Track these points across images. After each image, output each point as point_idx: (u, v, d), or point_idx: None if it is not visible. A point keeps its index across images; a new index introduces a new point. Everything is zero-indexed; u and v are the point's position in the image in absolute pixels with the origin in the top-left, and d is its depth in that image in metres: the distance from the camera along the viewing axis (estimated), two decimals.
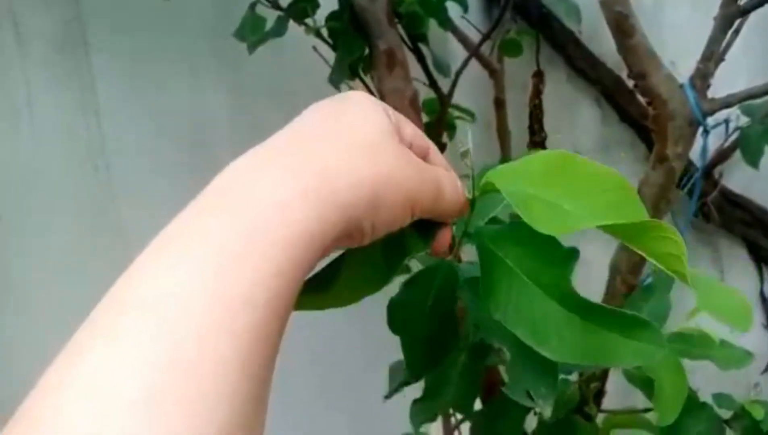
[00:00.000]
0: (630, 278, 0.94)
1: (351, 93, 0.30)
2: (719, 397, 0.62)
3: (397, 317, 0.39)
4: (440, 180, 0.30)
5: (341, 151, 0.26)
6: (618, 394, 0.88)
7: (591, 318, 0.30)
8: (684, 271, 0.28)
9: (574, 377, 0.74)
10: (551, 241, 0.31)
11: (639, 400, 0.66)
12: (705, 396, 1.19)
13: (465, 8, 0.88)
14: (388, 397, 0.57)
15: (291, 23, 0.83)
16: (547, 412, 0.36)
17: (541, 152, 0.32)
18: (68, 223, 0.92)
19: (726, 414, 0.63)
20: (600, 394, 0.81)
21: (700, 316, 0.63)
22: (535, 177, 0.30)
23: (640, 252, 0.29)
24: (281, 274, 0.22)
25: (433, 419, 0.59)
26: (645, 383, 0.60)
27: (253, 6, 0.78)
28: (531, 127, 1.09)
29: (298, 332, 1.14)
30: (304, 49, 0.90)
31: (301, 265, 0.23)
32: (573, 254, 0.31)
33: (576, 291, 0.31)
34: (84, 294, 1.00)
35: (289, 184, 0.23)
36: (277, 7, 0.79)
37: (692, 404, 0.58)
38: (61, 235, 0.92)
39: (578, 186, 0.29)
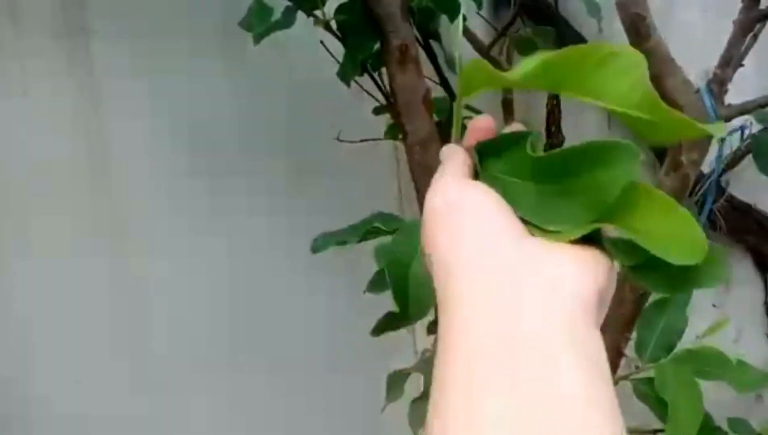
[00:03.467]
0: (639, 286, 0.92)
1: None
2: (735, 422, 0.60)
3: (383, 255, 0.40)
4: None
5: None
6: (627, 413, 0.86)
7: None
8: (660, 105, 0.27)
9: None
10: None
11: (652, 418, 0.64)
12: (707, 406, 1.18)
13: (479, 5, 0.86)
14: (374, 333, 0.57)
15: (299, 15, 0.80)
16: None
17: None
18: (66, 214, 0.89)
19: None
20: None
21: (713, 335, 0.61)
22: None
23: (597, 102, 0.28)
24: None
25: None
26: (658, 402, 0.58)
27: None
28: (548, 129, 1.06)
29: (299, 339, 1.11)
30: (311, 42, 0.87)
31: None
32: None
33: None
34: (80, 287, 0.97)
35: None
36: None
37: (707, 429, 0.56)
38: (58, 227, 0.89)
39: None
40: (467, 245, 0.28)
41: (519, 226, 0.29)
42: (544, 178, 0.30)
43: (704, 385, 0.69)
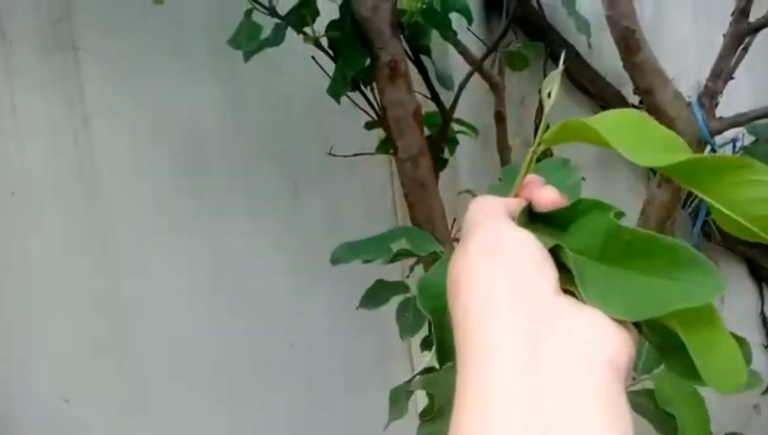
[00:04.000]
0: None
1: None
2: None
3: (426, 295, 0.38)
4: None
5: None
6: None
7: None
8: None
9: None
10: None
11: (651, 430, 0.63)
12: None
13: (470, 20, 0.86)
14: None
15: (289, 31, 0.80)
16: None
17: (612, 111, 0.31)
18: (55, 231, 0.88)
19: None
20: None
21: None
22: (610, 128, 0.29)
23: (715, 203, 0.28)
24: None
25: None
26: (657, 415, 0.57)
27: (249, 13, 0.75)
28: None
29: (282, 342, 1.10)
30: (302, 57, 0.87)
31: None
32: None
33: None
34: (70, 299, 0.96)
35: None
36: (274, 14, 0.76)
37: None
38: (46, 243, 0.88)
39: (651, 140, 0.29)
40: (503, 296, 0.26)
41: (555, 277, 0.27)
42: (617, 259, 0.29)
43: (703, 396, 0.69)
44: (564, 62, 1.13)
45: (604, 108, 1.14)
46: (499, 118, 1.07)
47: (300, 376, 1.05)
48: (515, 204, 0.32)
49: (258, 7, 0.75)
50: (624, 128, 0.29)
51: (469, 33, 1.06)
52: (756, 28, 0.83)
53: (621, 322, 0.27)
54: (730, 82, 0.93)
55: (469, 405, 0.25)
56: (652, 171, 1.08)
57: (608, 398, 0.24)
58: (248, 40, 0.72)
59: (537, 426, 0.23)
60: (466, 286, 0.28)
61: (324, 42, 0.82)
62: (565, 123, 0.31)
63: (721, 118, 0.84)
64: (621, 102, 1.12)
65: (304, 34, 0.77)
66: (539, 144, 0.32)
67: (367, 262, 0.62)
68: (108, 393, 0.91)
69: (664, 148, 0.29)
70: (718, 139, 0.87)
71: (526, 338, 0.25)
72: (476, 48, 1.04)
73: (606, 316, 0.27)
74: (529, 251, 0.28)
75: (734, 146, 0.98)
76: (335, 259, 0.63)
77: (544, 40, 1.14)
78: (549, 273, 0.27)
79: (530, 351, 0.25)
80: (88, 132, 0.86)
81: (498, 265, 0.27)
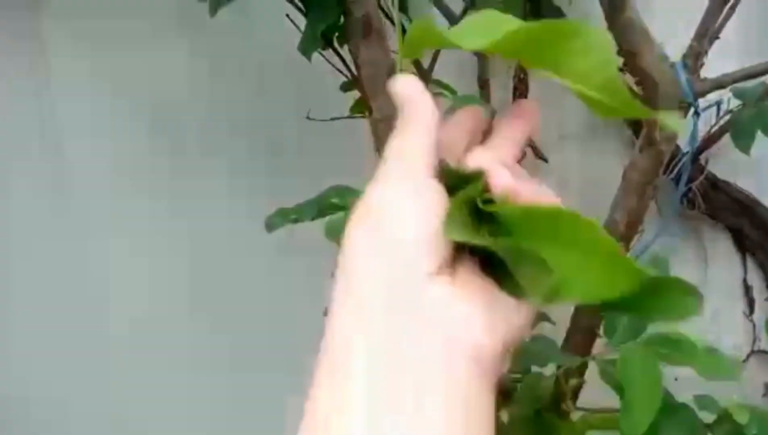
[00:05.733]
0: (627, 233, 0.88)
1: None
2: (701, 399, 0.59)
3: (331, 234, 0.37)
4: None
5: None
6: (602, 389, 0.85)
7: None
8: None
9: (549, 371, 0.70)
10: None
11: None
12: (685, 388, 1.17)
13: None
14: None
15: None
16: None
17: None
18: (23, 194, 0.86)
19: (708, 417, 0.59)
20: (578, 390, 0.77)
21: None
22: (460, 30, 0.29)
23: (561, 79, 0.27)
24: None
25: None
26: (619, 384, 0.56)
27: None
28: None
29: (262, 324, 1.09)
30: (276, 13, 0.84)
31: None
32: None
33: None
34: (33, 273, 0.94)
35: None
36: None
37: (670, 406, 0.54)
38: (16, 209, 0.86)
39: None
40: (367, 272, 0.25)
41: (438, 260, 0.25)
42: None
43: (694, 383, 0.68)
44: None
45: None
46: (483, 84, 1.04)
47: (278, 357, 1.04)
48: (449, 149, 0.29)
49: None
50: (472, 26, 0.28)
51: None
52: None
53: (504, 305, 0.26)
54: (722, 43, 0.90)
55: (324, 391, 0.24)
56: (635, 135, 1.06)
57: (458, 393, 0.24)
58: None
59: (383, 411, 0.23)
60: (342, 255, 0.27)
61: None
62: (416, 27, 0.29)
63: (705, 79, 0.82)
64: None
65: None
66: (401, 59, 0.32)
67: (295, 221, 0.62)
68: (76, 357, 0.90)
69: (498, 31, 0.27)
70: (703, 103, 0.84)
71: (383, 318, 0.24)
72: (457, 5, 1.01)
73: (482, 310, 0.25)
74: (416, 225, 0.26)
75: (719, 109, 0.96)
76: (269, 225, 0.63)
77: (530, 5, 1.10)
78: (431, 254, 0.25)
79: (387, 339, 0.24)
80: (50, 91, 0.83)
81: (372, 237, 0.26)
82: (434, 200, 0.26)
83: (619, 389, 0.56)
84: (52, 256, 0.87)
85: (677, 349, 0.59)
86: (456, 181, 0.28)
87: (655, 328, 0.67)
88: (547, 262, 0.25)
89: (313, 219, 0.61)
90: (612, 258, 0.25)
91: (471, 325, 0.25)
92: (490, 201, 0.27)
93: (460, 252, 0.27)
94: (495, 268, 0.27)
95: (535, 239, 0.26)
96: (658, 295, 0.28)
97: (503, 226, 0.27)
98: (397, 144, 0.28)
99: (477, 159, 0.28)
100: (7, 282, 0.86)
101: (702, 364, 0.58)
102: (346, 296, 0.26)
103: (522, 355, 0.71)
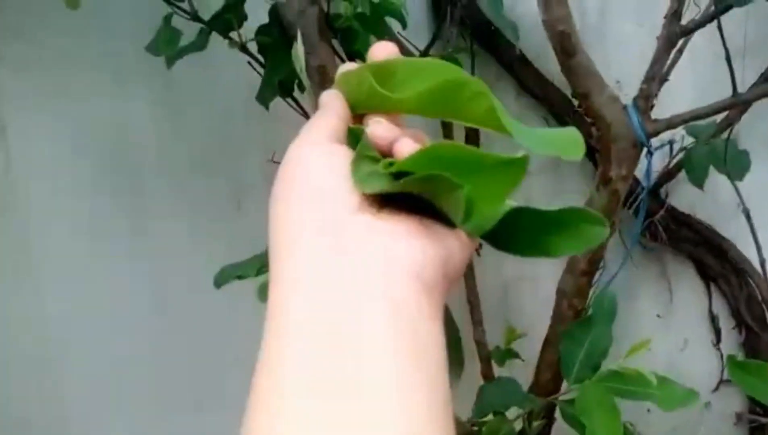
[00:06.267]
0: (576, 303, 0.91)
1: None
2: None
3: None
4: None
5: None
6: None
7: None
8: (502, 120, 0.28)
9: (513, 414, 0.70)
10: None
11: None
12: (657, 419, 1.17)
13: (404, 25, 0.85)
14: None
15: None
16: None
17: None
18: None
19: None
20: (546, 430, 0.78)
21: (638, 355, 0.60)
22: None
23: (462, 123, 0.30)
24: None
25: None
26: (580, 424, 0.57)
27: (168, 18, 0.72)
28: (467, 134, 1.07)
29: (226, 365, 1.07)
30: (239, 61, 0.85)
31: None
32: None
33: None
34: None
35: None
36: (196, 18, 0.74)
37: None
38: None
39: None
40: (302, 222, 0.27)
41: (359, 197, 0.28)
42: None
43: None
44: (509, 67, 1.12)
45: (552, 112, 1.14)
46: (445, 125, 1.06)
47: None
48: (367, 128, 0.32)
49: (178, 11, 0.73)
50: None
51: (416, 35, 1.04)
52: (689, 30, 0.83)
53: (432, 235, 0.28)
54: (677, 84, 0.93)
55: (270, 326, 0.26)
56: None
57: (401, 308, 0.24)
58: (166, 46, 0.69)
59: (325, 343, 0.24)
60: (272, 210, 0.29)
61: (255, 47, 0.80)
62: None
63: (656, 120, 0.84)
64: (568, 105, 1.12)
65: (230, 39, 0.74)
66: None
67: (240, 278, 0.63)
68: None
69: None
70: (655, 142, 0.87)
71: (315, 240, 0.26)
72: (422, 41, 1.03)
73: (411, 230, 0.27)
74: (331, 175, 0.28)
75: (671, 148, 0.99)
76: (217, 283, 0.65)
77: (491, 45, 1.14)
78: (352, 195, 0.28)
79: (324, 265, 0.25)
80: (5, 143, 0.83)
81: (295, 188, 0.28)
82: (343, 158, 0.29)
83: (580, 428, 0.56)
84: (4, 303, 0.86)
85: (632, 383, 0.59)
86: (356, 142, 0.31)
87: (612, 361, 0.68)
88: (452, 179, 0.26)
89: (257, 275, 0.62)
90: (497, 160, 0.27)
91: (400, 241, 0.26)
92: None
93: (387, 204, 0.29)
94: (426, 212, 0.29)
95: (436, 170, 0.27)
96: (566, 226, 0.31)
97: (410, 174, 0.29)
98: (309, 123, 0.32)
99: (375, 124, 0.31)
100: None
101: (658, 397, 0.59)
102: (278, 238, 0.28)
103: (484, 399, 0.71)
